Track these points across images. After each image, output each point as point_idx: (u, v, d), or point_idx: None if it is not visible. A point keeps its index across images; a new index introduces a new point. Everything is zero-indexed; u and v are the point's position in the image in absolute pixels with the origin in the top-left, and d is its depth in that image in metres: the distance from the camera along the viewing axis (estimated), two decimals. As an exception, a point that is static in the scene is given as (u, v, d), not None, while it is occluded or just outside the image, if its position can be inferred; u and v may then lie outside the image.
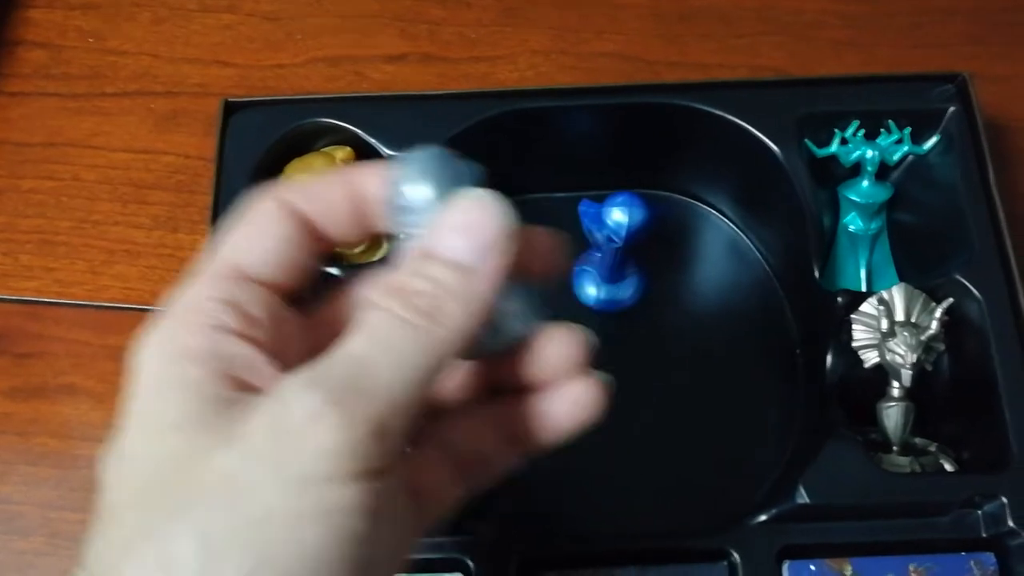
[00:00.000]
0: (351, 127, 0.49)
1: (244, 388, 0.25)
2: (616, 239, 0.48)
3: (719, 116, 0.48)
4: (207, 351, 0.25)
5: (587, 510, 0.48)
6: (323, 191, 0.29)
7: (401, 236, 0.28)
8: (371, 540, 0.24)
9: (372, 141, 0.49)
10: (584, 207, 0.49)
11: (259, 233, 0.28)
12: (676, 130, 0.51)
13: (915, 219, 0.51)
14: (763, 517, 0.43)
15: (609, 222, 0.47)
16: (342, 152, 0.49)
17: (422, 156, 0.28)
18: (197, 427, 0.24)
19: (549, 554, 0.43)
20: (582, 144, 0.53)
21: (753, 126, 0.48)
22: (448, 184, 0.27)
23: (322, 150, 0.50)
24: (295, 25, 0.62)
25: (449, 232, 0.26)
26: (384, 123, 0.49)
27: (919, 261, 0.51)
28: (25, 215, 0.57)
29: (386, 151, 0.48)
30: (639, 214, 0.47)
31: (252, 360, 0.26)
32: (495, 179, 0.53)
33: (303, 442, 0.23)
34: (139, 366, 0.26)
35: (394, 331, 0.25)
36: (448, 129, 0.49)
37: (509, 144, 0.52)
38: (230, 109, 0.49)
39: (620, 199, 0.47)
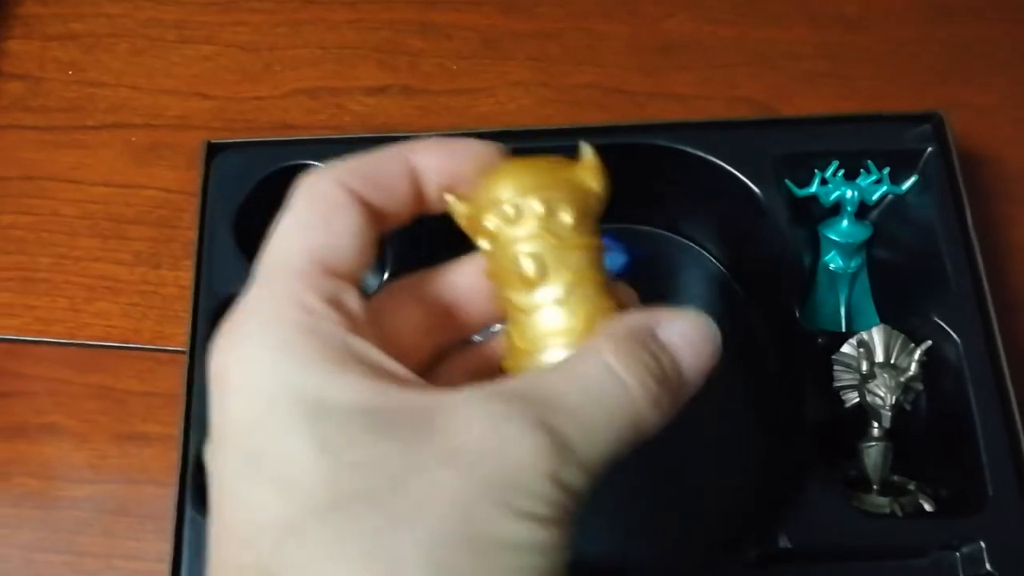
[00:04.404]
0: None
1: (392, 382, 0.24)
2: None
3: (702, 158, 0.49)
4: (343, 350, 0.24)
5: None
6: (380, 169, 0.27)
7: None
8: None
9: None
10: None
11: (334, 225, 0.26)
12: (661, 169, 0.51)
13: (895, 258, 0.52)
14: (746, 561, 0.44)
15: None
16: None
17: None
18: (383, 431, 0.23)
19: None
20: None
21: (734, 167, 0.48)
22: None
23: None
24: (274, 56, 0.61)
25: (678, 337, 0.27)
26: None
27: (899, 300, 0.51)
28: (5, 251, 0.57)
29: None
30: (619, 259, 0.47)
31: (378, 357, 0.25)
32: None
33: (526, 476, 0.23)
34: (244, 375, 0.24)
35: (615, 391, 0.25)
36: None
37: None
38: (213, 150, 0.49)
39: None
